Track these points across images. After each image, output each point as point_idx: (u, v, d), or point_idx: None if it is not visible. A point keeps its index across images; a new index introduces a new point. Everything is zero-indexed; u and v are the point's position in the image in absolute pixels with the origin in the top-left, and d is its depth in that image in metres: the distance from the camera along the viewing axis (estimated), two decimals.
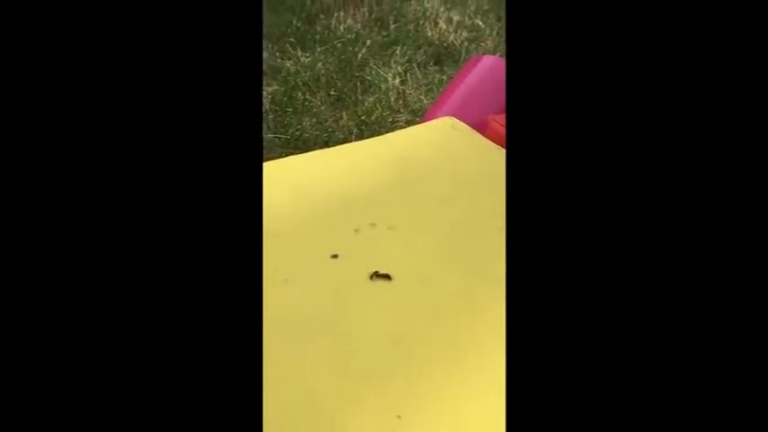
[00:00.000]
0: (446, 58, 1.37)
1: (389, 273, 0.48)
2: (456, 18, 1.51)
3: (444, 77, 1.28)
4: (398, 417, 0.36)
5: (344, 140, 1.07)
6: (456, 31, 1.46)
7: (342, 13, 1.48)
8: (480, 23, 1.50)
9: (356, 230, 0.53)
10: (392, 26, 1.45)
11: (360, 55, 1.32)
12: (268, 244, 0.49)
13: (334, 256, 0.50)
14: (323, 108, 1.16)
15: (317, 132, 1.09)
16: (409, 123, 1.14)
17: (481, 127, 0.71)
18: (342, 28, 1.42)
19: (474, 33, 1.47)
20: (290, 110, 1.13)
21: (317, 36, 1.38)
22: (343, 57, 1.31)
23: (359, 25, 1.45)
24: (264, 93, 1.18)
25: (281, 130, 1.06)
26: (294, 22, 1.41)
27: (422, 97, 1.22)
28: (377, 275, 0.47)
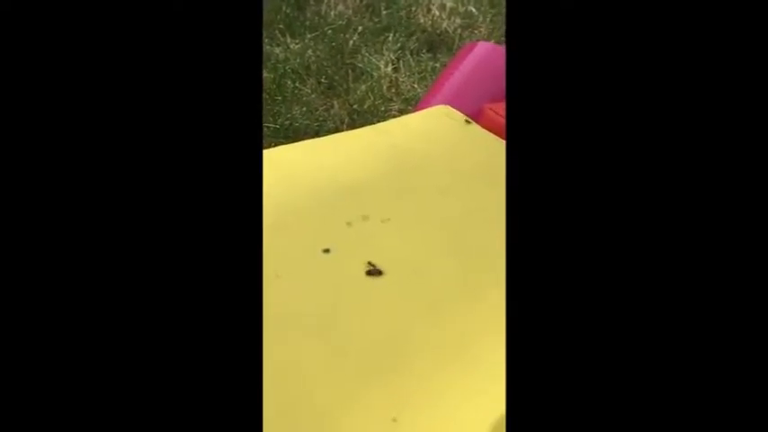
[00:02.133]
0: (439, 46, 1.34)
1: (382, 268, 0.46)
2: (449, 5, 1.48)
3: (437, 65, 1.26)
4: (394, 420, 0.35)
5: (336, 130, 1.04)
6: (449, 18, 1.43)
7: None
8: (474, 10, 1.48)
9: (348, 224, 0.51)
10: (384, 12, 1.42)
11: (351, 42, 1.29)
12: None
13: (326, 251, 0.48)
14: (313, 96, 1.13)
15: (308, 121, 1.07)
16: (402, 112, 1.12)
17: (476, 115, 0.69)
18: (332, 14, 1.39)
19: (467, 20, 1.45)
20: (280, 98, 1.10)
21: (307, 22, 1.35)
22: (333, 44, 1.28)
23: (350, 11, 1.42)
24: None
25: (271, 118, 1.04)
26: (283, 7, 1.38)
27: (415, 85, 1.20)
28: (369, 272, 0.45)
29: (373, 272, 0.46)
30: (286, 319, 0.40)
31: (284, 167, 0.57)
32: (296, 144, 0.62)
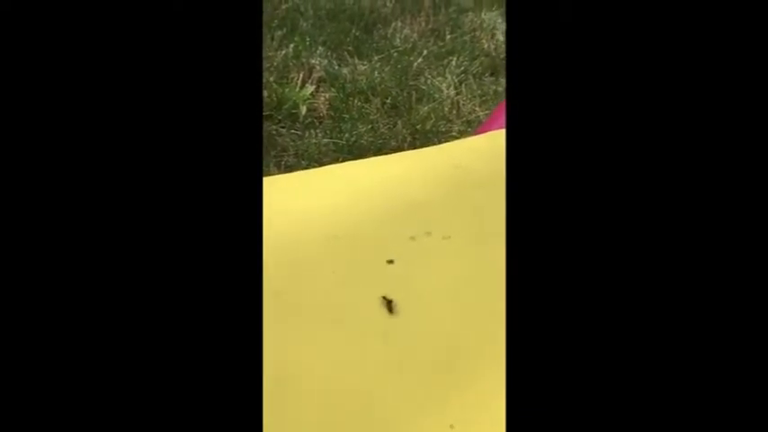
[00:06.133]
0: (502, 70, 1.36)
1: (441, 282, 0.48)
2: None
3: (499, 89, 1.28)
4: (451, 426, 0.37)
5: (398, 148, 1.08)
6: None
7: (399, 23, 1.50)
8: None
9: (412, 238, 0.54)
10: (448, 37, 1.46)
11: (415, 64, 1.34)
12: (327, 245, 0.51)
13: (390, 262, 0.51)
14: (378, 116, 1.18)
15: (372, 139, 1.11)
16: (462, 133, 1.14)
17: None
18: (398, 37, 1.44)
19: None
20: (347, 116, 1.16)
21: (375, 45, 1.40)
22: (399, 66, 1.33)
23: (415, 35, 1.47)
24: (322, 98, 1.21)
25: (338, 135, 1.09)
26: (353, 30, 1.44)
27: (476, 108, 1.22)
28: (385, 301, 0.46)
29: (388, 302, 0.46)
30: (352, 322, 0.43)
31: (352, 182, 0.60)
32: (363, 160, 0.66)
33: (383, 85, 1.26)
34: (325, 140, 1.10)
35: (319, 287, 0.46)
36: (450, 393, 0.39)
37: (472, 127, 1.16)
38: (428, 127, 1.15)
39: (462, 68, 1.33)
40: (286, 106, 1.18)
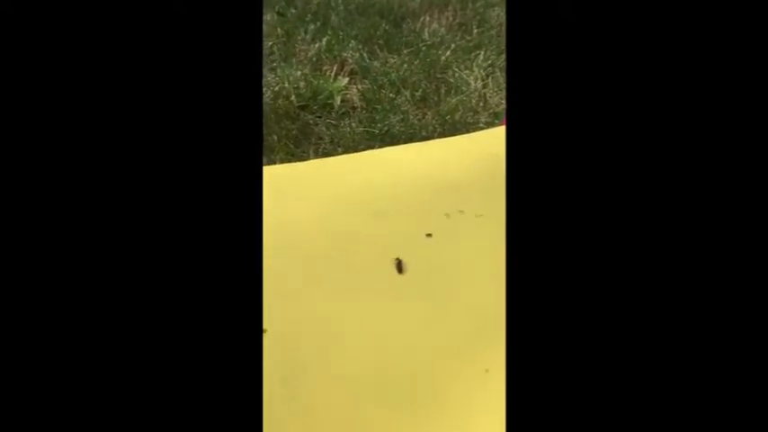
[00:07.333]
0: None
1: (474, 252, 0.53)
2: None
3: None
4: (486, 371, 0.43)
5: (428, 137, 1.13)
6: None
7: (427, 18, 1.54)
8: None
9: (447, 215, 0.60)
10: (475, 31, 1.50)
11: (443, 58, 1.38)
12: (372, 221, 0.57)
13: (429, 235, 0.56)
14: (408, 107, 1.23)
15: (403, 128, 1.16)
16: (489, 125, 1.19)
17: None
18: (427, 32, 1.49)
19: None
20: (379, 107, 1.21)
21: (404, 39, 1.45)
22: (427, 59, 1.37)
23: (443, 29, 1.51)
24: (355, 89, 1.27)
25: (371, 124, 1.14)
26: (383, 24, 1.49)
27: (502, 101, 1.27)
28: (396, 261, 0.52)
29: (398, 263, 0.52)
30: (399, 288, 0.49)
31: (390, 165, 0.66)
32: (400, 146, 0.71)
33: (413, 78, 1.31)
34: (360, 129, 1.16)
35: (364, 255, 0.52)
36: (485, 345, 0.44)
37: (498, 119, 1.20)
38: (456, 118, 1.20)
39: (489, 62, 1.38)
40: (321, 97, 1.24)
